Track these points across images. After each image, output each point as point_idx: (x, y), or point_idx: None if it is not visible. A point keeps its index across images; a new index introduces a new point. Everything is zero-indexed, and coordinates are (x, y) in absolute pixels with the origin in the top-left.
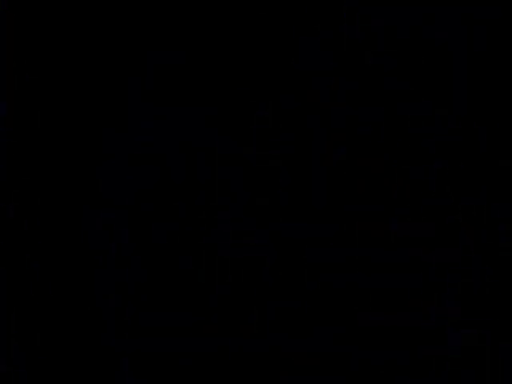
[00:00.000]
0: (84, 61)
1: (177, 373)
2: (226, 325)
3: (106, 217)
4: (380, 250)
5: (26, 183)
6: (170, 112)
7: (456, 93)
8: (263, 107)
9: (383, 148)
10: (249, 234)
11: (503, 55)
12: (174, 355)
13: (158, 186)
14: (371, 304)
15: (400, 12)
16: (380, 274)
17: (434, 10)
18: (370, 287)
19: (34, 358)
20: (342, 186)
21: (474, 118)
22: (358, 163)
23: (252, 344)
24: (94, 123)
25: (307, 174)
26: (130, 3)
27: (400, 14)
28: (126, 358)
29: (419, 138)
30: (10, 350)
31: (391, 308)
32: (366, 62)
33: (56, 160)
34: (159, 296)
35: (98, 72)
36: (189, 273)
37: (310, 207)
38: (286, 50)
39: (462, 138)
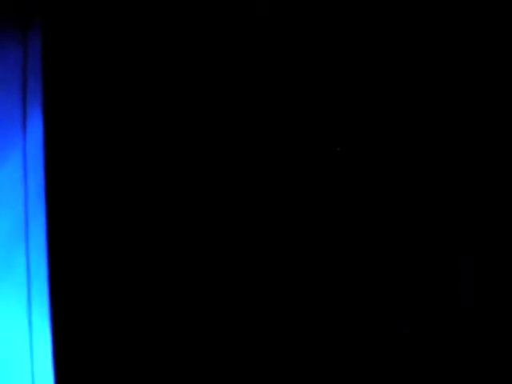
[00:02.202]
0: (84, 60)
1: (177, 373)
2: (226, 325)
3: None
4: (380, 250)
5: None
6: (170, 112)
7: (456, 92)
8: (263, 107)
9: (383, 148)
10: (249, 233)
11: (503, 55)
12: (174, 355)
13: (157, 186)
14: (371, 304)
15: (400, 12)
16: (380, 274)
17: (434, 9)
18: (369, 287)
19: None
20: (342, 185)
21: (473, 117)
22: (357, 163)
23: (252, 344)
24: (94, 123)
25: (307, 174)
26: (131, 3)
27: (400, 14)
28: (126, 357)
29: (419, 138)
30: None
31: (391, 308)
32: (365, 61)
33: (56, 159)
34: (159, 296)
35: (97, 72)
36: (188, 273)
37: (309, 207)
38: (286, 50)
39: (461, 137)
